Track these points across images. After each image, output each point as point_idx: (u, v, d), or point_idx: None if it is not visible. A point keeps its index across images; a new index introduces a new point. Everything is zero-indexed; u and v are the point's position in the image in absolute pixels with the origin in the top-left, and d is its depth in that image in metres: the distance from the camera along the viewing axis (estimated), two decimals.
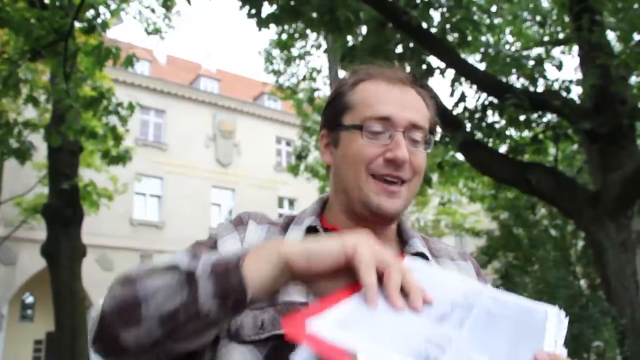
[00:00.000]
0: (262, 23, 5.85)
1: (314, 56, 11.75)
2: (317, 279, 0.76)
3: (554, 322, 0.80)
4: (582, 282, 11.52)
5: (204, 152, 21.70)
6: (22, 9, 5.96)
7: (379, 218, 1.01)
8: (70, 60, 6.39)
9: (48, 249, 8.77)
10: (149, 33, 10.79)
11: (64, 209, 8.75)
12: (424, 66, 7.02)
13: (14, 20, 5.60)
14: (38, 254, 9.27)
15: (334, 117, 1.07)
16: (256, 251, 0.78)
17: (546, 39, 9.22)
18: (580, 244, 11.76)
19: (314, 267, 0.75)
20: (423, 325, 0.72)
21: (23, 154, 6.62)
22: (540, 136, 7.30)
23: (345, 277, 0.74)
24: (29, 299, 18.36)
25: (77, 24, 6.56)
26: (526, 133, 8.17)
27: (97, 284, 17.97)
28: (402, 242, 1.10)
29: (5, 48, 6.97)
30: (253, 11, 5.91)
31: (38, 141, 8.41)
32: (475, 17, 7.24)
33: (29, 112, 10.49)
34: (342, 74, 8.30)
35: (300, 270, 0.75)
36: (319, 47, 10.72)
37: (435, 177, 9.35)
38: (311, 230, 1.03)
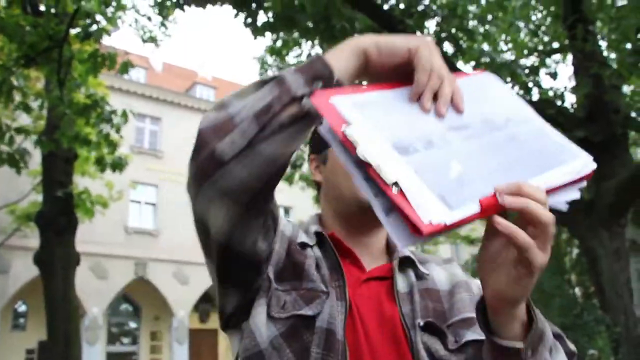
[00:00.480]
0: (258, 31, 5.87)
1: None
2: (384, 72, 0.83)
3: (574, 165, 0.80)
4: (577, 290, 11.55)
5: None
6: (16, 15, 5.95)
7: (365, 214, 1.03)
8: (65, 67, 6.39)
9: (41, 257, 8.72)
10: (144, 41, 10.79)
11: (58, 216, 8.70)
12: None
13: (8, 26, 5.60)
14: (31, 262, 9.21)
15: (319, 140, 1.14)
16: (334, 48, 0.84)
17: (540, 47, 9.28)
18: (575, 251, 11.79)
19: (385, 59, 0.82)
20: (432, 127, 0.78)
21: (17, 162, 6.59)
22: None
23: (403, 77, 0.82)
24: (22, 308, 18.22)
25: (72, 31, 6.57)
26: None
27: (91, 292, 17.88)
28: (390, 251, 1.14)
29: None
30: (249, 20, 5.93)
31: (32, 148, 8.39)
32: (470, 26, 7.29)
33: (24, 119, 10.47)
34: None
35: (373, 60, 0.82)
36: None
37: None
38: (318, 235, 1.09)
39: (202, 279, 18.23)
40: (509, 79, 7.32)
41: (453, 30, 6.84)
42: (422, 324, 0.96)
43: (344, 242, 1.07)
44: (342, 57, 0.82)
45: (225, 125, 0.81)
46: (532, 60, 8.84)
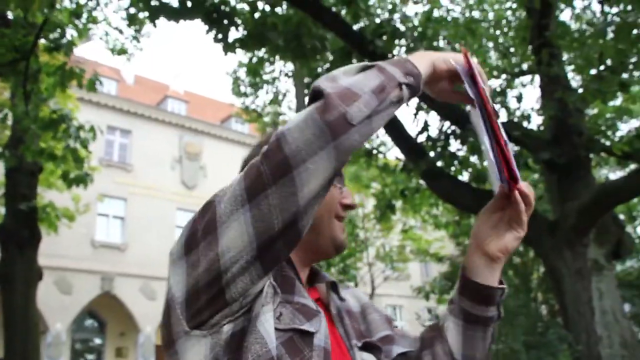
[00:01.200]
0: (229, 48, 5.87)
1: (282, 81, 11.73)
2: (440, 80, 1.06)
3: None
4: (543, 309, 11.70)
5: (170, 173, 21.48)
6: None
7: (338, 252, 1.17)
8: (31, 79, 6.28)
9: (2, 271, 8.49)
10: (115, 53, 10.70)
11: (20, 230, 8.50)
12: None
13: None
14: None
15: None
16: (415, 55, 1.02)
17: (509, 69, 9.48)
18: (542, 269, 11.97)
19: (444, 69, 1.04)
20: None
21: None
22: None
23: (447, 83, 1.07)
24: None
25: (42, 41, 6.46)
26: None
27: (55, 307, 17.46)
28: (313, 276, 1.22)
29: None
30: (220, 36, 5.93)
31: None
32: (441, 47, 7.41)
33: None
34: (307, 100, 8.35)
35: (438, 70, 1.03)
36: (287, 74, 10.80)
37: (399, 203, 9.43)
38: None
39: None
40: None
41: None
42: (359, 344, 1.08)
43: (296, 266, 1.10)
44: (423, 63, 1.00)
45: (348, 95, 0.90)
46: (500, 81, 9.03)
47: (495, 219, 1.08)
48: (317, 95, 0.91)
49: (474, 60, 1.04)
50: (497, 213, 1.08)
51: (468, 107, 1.06)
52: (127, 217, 19.97)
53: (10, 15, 6.60)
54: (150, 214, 20.14)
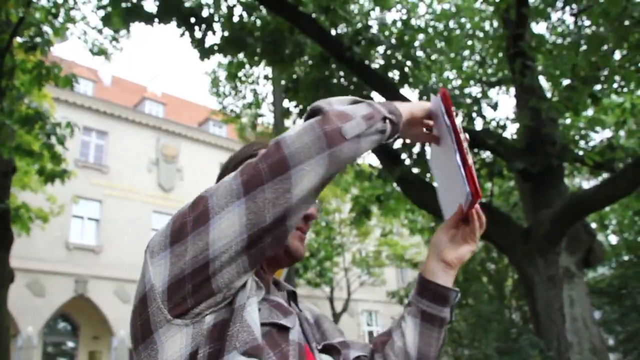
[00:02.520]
0: (205, 53, 5.85)
1: (261, 84, 11.72)
2: (415, 125, 1.22)
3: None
4: (516, 315, 11.85)
5: (146, 176, 21.29)
6: None
7: (293, 261, 1.22)
8: (6, 77, 6.19)
9: None
10: (94, 54, 10.58)
11: None
12: None
13: None
14: None
15: None
16: (399, 103, 1.16)
17: (484, 78, 9.61)
18: (516, 276, 12.12)
19: (420, 115, 1.20)
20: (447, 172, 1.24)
21: None
22: (476, 173, 7.54)
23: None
24: None
25: (19, 39, 6.38)
26: None
27: (27, 309, 17.15)
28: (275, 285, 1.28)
29: None
30: (196, 38, 5.91)
31: None
32: (417, 55, 7.49)
33: None
34: (286, 104, 8.37)
35: (415, 116, 1.19)
36: (266, 76, 10.79)
37: (376, 209, 9.48)
38: None
39: None
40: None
41: (399, 58, 7.01)
42: (319, 347, 1.17)
43: (260, 272, 1.16)
44: (403, 108, 1.15)
45: (343, 115, 1.02)
46: (476, 90, 9.15)
47: (453, 233, 1.27)
48: (316, 112, 1.04)
49: (449, 100, 1.19)
50: (454, 229, 1.27)
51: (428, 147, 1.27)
52: (102, 219, 19.73)
53: None
54: (126, 216, 19.93)
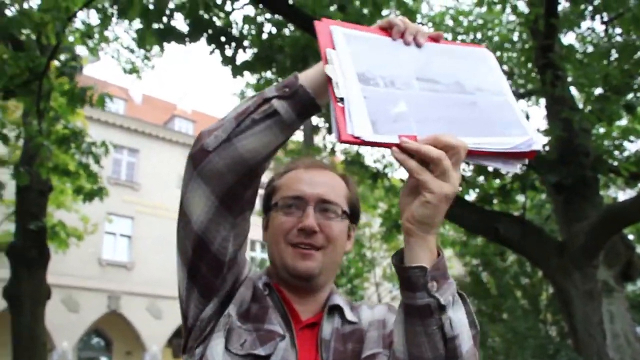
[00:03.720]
0: (237, 70, 5.94)
1: None
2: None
3: (513, 140, 0.93)
4: (552, 331, 11.59)
5: (177, 193, 21.30)
6: None
7: (296, 279, 1.19)
8: (44, 98, 6.38)
9: (10, 291, 8.51)
10: (126, 72, 10.83)
11: (29, 250, 8.53)
12: None
13: None
14: None
15: (266, 202, 1.30)
16: (298, 74, 1.03)
17: (514, 89, 9.52)
18: (551, 290, 11.87)
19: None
20: (402, 72, 0.96)
21: None
22: (509, 187, 7.45)
23: None
24: None
25: (56, 62, 6.57)
26: (497, 181, 8.33)
27: (62, 325, 17.43)
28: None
29: None
30: (227, 55, 6.00)
31: (6, 177, 8.28)
32: None
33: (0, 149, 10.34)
34: (315, 120, 8.42)
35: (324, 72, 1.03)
36: None
37: None
38: (268, 286, 1.23)
39: (176, 314, 17.86)
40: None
41: None
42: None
43: (285, 294, 1.21)
44: (311, 70, 1.01)
45: (216, 127, 1.03)
46: None
47: (410, 189, 0.93)
48: None
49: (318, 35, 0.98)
50: (411, 192, 0.93)
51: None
52: (134, 236, 20.01)
53: (23, 37, 6.73)
54: (157, 232, 20.18)
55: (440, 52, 1.04)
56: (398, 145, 0.85)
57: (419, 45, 1.01)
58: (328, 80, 0.90)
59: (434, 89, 0.96)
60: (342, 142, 0.84)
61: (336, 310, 1.21)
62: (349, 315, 1.21)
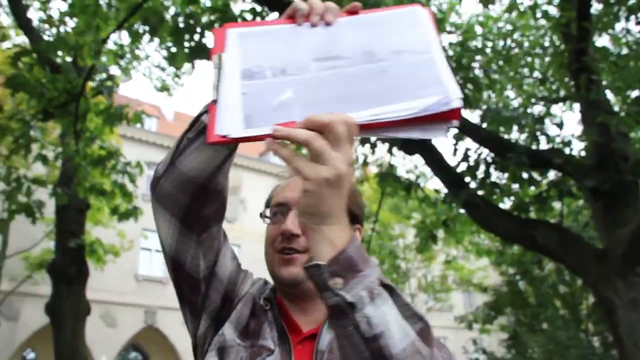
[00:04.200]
0: None
1: None
2: None
3: (424, 102, 0.80)
4: (595, 341, 11.27)
5: None
6: (36, 72, 6.17)
7: (285, 286, 1.19)
8: (81, 119, 6.55)
9: (52, 307, 8.72)
10: (158, 90, 11.04)
11: (69, 267, 8.73)
12: None
13: (28, 84, 5.80)
14: (41, 310, 9.20)
15: (264, 214, 1.30)
16: None
17: (546, 94, 9.36)
18: (591, 299, 11.57)
19: None
20: (296, 57, 0.90)
21: (33, 212, 6.69)
22: (545, 194, 7.31)
23: None
24: (30, 355, 18.09)
25: (91, 83, 6.75)
26: (532, 188, 8.19)
27: (100, 340, 17.73)
28: None
29: (19, 108, 7.15)
30: None
31: (45, 196, 8.49)
32: (475, 76, 7.39)
33: (37, 167, 10.63)
34: None
35: None
36: None
37: (441, 233, 9.32)
38: (268, 300, 1.21)
39: None
40: (515, 129, 7.38)
41: (459, 81, 6.95)
42: None
43: (285, 306, 1.20)
44: None
45: (166, 155, 1.07)
46: (538, 109, 8.92)
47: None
48: None
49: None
50: None
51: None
52: None
53: (59, 60, 6.93)
54: None
55: (356, 24, 0.95)
56: (271, 135, 0.78)
57: (328, 24, 0.94)
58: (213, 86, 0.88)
59: (334, 66, 0.88)
60: (210, 143, 0.82)
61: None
62: None
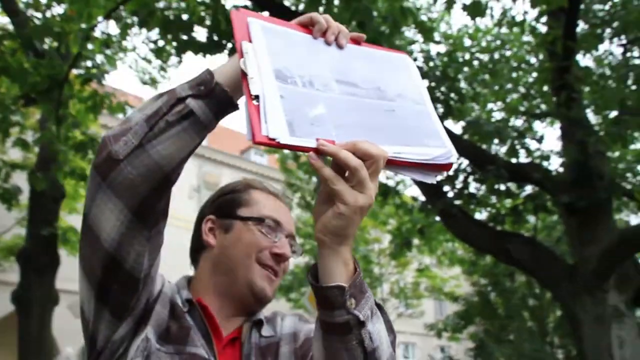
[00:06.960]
0: None
1: None
2: None
3: (431, 151, 0.89)
4: (559, 353, 11.47)
5: (188, 202, 21.60)
6: (19, 57, 6.07)
7: (257, 300, 1.18)
8: (63, 106, 6.45)
9: (19, 295, 8.54)
10: (144, 83, 10.91)
11: (40, 255, 8.57)
12: None
13: (11, 68, 5.70)
14: (6, 297, 8.99)
15: (228, 208, 1.26)
16: (211, 70, 0.94)
17: (528, 109, 9.49)
18: (559, 313, 11.76)
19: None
20: (321, 73, 0.90)
21: (9, 199, 6.54)
22: (521, 207, 7.42)
23: None
24: None
25: (74, 71, 6.66)
26: (508, 200, 8.30)
27: (68, 331, 17.40)
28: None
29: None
30: None
31: (21, 181, 8.32)
32: (462, 87, 7.49)
33: (13, 153, 10.43)
34: None
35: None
36: None
37: (416, 241, 9.39)
38: (189, 302, 1.17)
39: None
40: (496, 141, 7.48)
41: (444, 90, 7.03)
42: None
43: (209, 309, 1.16)
44: (227, 64, 0.94)
45: (123, 132, 0.91)
46: (520, 122, 9.06)
47: (324, 198, 0.87)
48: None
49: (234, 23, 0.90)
50: (326, 200, 0.87)
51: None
52: None
53: (45, 46, 6.83)
54: (167, 241, 20.05)
55: (361, 55, 0.98)
56: (315, 150, 0.79)
57: (340, 47, 0.95)
58: (242, 75, 0.83)
59: (354, 92, 0.90)
60: (256, 143, 0.78)
61: (258, 324, 1.20)
62: (267, 329, 1.20)
